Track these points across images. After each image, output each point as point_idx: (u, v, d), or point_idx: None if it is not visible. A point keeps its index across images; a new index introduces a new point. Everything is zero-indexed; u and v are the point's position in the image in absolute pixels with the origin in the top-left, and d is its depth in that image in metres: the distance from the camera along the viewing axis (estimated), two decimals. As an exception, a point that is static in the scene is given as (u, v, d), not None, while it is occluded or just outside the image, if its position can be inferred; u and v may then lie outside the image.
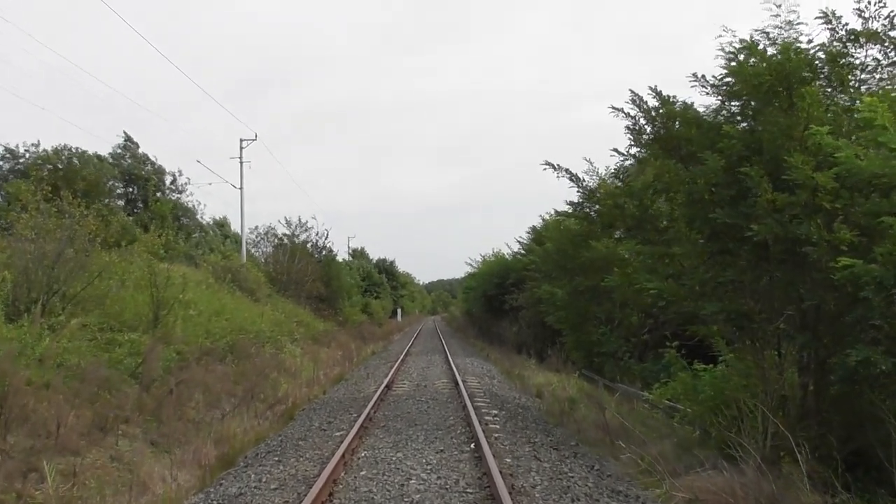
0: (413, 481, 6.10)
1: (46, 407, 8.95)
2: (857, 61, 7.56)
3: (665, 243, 9.65)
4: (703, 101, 9.39)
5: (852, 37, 7.15)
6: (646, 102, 10.01)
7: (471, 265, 46.92)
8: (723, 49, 8.99)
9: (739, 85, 8.31)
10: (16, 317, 10.84)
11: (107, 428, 9.73)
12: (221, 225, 45.79)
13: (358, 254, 63.69)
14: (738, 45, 8.34)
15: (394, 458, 7.02)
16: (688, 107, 9.47)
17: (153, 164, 35.28)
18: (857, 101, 7.01)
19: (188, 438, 9.99)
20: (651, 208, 10.68)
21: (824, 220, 6.74)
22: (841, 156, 6.05)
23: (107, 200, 26.43)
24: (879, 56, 7.55)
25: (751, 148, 8.23)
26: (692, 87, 9.48)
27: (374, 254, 71.67)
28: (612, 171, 12.20)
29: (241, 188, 35.50)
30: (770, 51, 8.33)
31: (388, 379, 14.28)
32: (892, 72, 7.70)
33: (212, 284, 23.05)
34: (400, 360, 20.26)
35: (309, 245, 39.24)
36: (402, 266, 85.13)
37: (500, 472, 6.07)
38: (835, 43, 7.29)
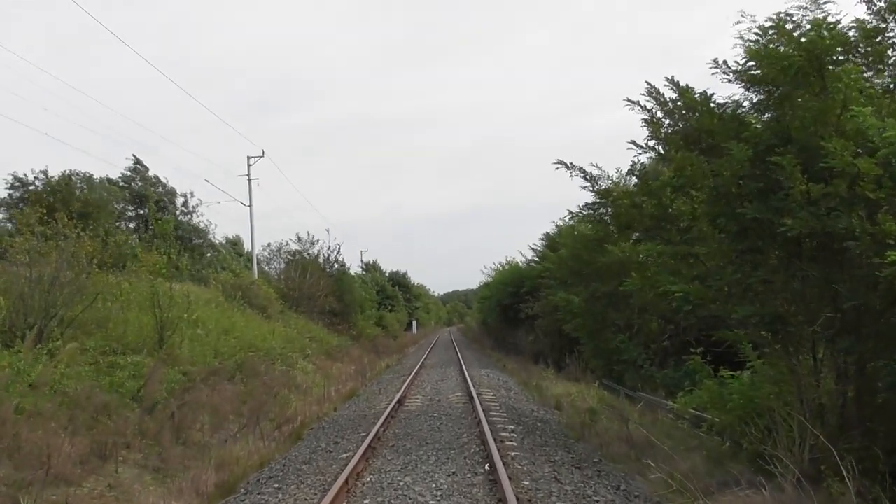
0: (420, 511, 5.56)
1: (40, 436, 8.52)
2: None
3: (687, 243, 9.09)
4: (723, 93, 8.85)
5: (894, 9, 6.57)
6: (662, 94, 9.48)
7: (485, 275, 46.40)
8: (741, 37, 8.46)
9: (765, 69, 7.75)
10: (12, 343, 10.45)
11: (106, 455, 9.28)
12: (234, 243, 45.71)
13: (371, 267, 63.31)
14: (764, 25, 7.80)
15: (401, 483, 6.47)
16: (708, 96, 8.91)
17: (164, 185, 35.31)
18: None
19: (190, 463, 9.53)
20: (671, 207, 10.14)
21: (866, 211, 6.16)
22: (891, 135, 5.46)
23: (117, 223, 26.32)
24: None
25: (779, 136, 7.68)
26: (713, 74, 8.93)
27: (388, 267, 71.32)
28: (627, 170, 11.62)
29: (250, 205, 35.31)
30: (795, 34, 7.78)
31: (400, 394, 13.75)
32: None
33: (221, 303, 22.72)
34: (414, 373, 19.72)
35: (321, 260, 38.90)
36: (416, 278, 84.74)
37: (518, 499, 5.51)
38: (871, 18, 6.72)
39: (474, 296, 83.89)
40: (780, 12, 8.14)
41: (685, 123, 8.99)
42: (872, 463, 7.10)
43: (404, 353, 35.38)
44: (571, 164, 10.73)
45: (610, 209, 10.73)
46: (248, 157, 35.65)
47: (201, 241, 36.86)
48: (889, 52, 6.83)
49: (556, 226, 28.17)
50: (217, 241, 41.15)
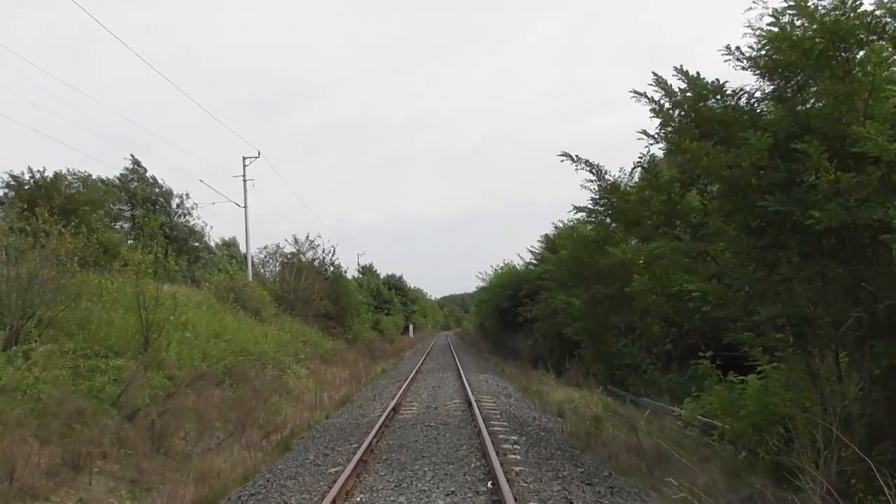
0: (417, 537, 4.97)
1: (6, 444, 7.92)
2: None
3: (699, 240, 8.55)
4: (732, 84, 8.33)
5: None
6: (670, 85, 8.93)
7: (482, 278, 45.80)
8: (751, 26, 7.94)
9: (783, 53, 7.22)
10: (-15, 345, 9.86)
11: (79, 466, 8.69)
12: (229, 245, 45.14)
13: (367, 270, 62.70)
14: (779, 8, 7.27)
15: None
16: (720, 85, 8.37)
17: (160, 187, 34.79)
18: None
19: (170, 475, 8.94)
20: (679, 203, 9.59)
21: (904, 200, 5.63)
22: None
23: (113, 223, 25.70)
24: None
25: (800, 124, 7.14)
26: (725, 61, 8.39)
27: (385, 270, 70.69)
28: (632, 167, 11.06)
29: (244, 206, 34.72)
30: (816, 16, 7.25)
31: (395, 401, 13.14)
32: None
33: (213, 305, 22.11)
34: (410, 378, 19.11)
35: (316, 262, 38.29)
36: (413, 282, 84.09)
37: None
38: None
39: (471, 299, 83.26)
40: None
41: (695, 114, 8.46)
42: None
43: (400, 357, 34.75)
44: (577, 156, 10.17)
45: (615, 205, 10.19)
46: (244, 158, 35.05)
47: (196, 243, 36.37)
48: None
49: (556, 228, 27.65)
50: (212, 243, 40.68)
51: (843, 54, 6.75)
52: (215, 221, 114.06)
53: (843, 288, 6.94)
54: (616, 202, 10.18)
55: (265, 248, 43.12)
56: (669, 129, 8.02)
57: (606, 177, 10.34)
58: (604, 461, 8.52)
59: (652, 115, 8.87)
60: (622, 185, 10.63)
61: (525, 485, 6.20)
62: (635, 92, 9.07)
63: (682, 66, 8.29)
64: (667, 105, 8.87)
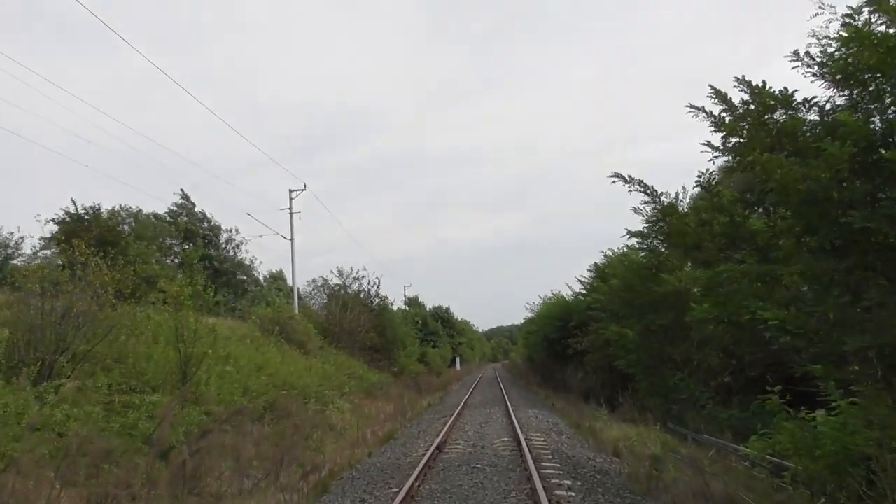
0: None
1: (31, 487, 7.56)
2: None
3: (767, 263, 7.78)
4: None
5: None
6: (730, 98, 8.27)
7: (530, 309, 44.85)
8: (815, 35, 7.27)
9: (863, 54, 6.50)
10: (17, 379, 9.61)
11: (108, 508, 8.28)
12: (276, 279, 45.46)
13: (413, 302, 62.31)
14: (858, 4, 6.60)
15: None
16: (789, 94, 7.66)
17: (209, 221, 35.30)
18: None
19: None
20: (743, 225, 8.85)
21: None
22: None
23: (165, 258, 25.93)
24: None
25: (882, 133, 6.39)
26: (793, 68, 7.71)
27: (431, 302, 70.22)
28: (693, 185, 10.35)
29: (291, 239, 34.87)
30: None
31: (440, 438, 12.44)
32: None
33: (257, 338, 21.89)
34: (456, 413, 18.37)
35: (361, 294, 38.05)
36: (460, 314, 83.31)
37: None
38: None
39: (519, 331, 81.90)
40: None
41: (762, 127, 7.76)
42: None
43: (447, 390, 33.97)
44: (630, 176, 9.55)
45: (673, 228, 9.48)
46: (290, 191, 35.34)
47: (244, 276, 36.68)
48: None
49: (605, 256, 26.72)
50: (260, 277, 41.00)
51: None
52: (264, 256, 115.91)
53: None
54: (673, 225, 9.49)
55: (313, 280, 43.22)
56: (736, 140, 7.33)
57: (662, 198, 9.67)
58: (667, 508, 7.70)
59: (713, 128, 8.22)
60: (680, 206, 9.93)
61: (583, 540, 5.47)
62: (692, 106, 8.44)
63: (743, 76, 7.63)
64: (728, 118, 8.21)
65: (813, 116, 7.71)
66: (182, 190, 34.49)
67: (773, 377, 19.38)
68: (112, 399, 11.03)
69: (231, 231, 35.59)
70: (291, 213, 34.73)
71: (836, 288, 6.25)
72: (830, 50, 7.14)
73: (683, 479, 9.79)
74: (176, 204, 35.06)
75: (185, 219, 34.92)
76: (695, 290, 18.11)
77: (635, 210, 20.01)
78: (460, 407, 20.61)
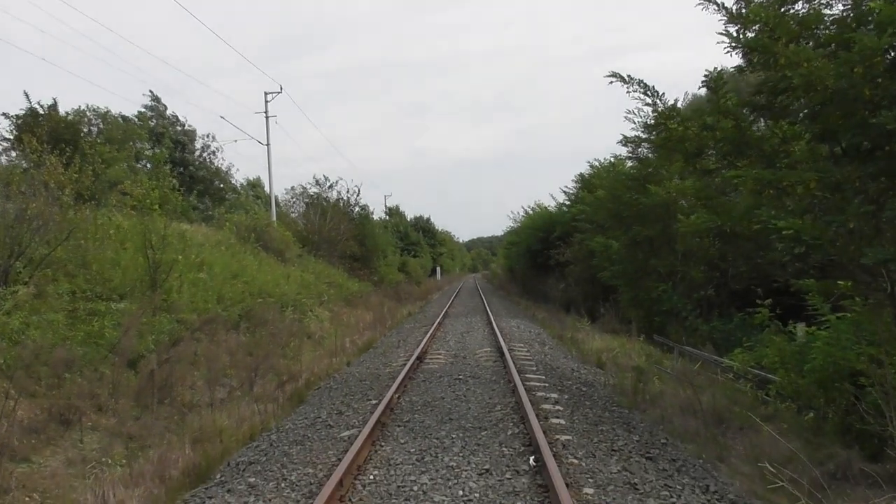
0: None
1: (-16, 399, 7.07)
2: None
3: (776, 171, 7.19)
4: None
5: None
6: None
7: (512, 220, 44.45)
8: None
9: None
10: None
11: (70, 420, 7.87)
12: (254, 186, 44.42)
13: (394, 212, 61.63)
14: None
15: (415, 489, 4.65)
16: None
17: (182, 125, 33.89)
18: None
19: (175, 429, 8.10)
20: (748, 130, 8.22)
21: None
22: None
23: (137, 163, 24.74)
24: None
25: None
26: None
27: (412, 212, 69.59)
28: (700, 85, 9.61)
29: (267, 144, 33.69)
30: None
31: (420, 348, 12.13)
32: None
33: (233, 245, 21.27)
34: (437, 323, 18.14)
35: (341, 203, 37.28)
36: (440, 224, 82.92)
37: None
38: None
39: (499, 243, 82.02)
40: None
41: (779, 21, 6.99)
42: None
43: (427, 300, 33.90)
44: (629, 76, 8.78)
45: (674, 133, 8.82)
46: (266, 94, 33.84)
47: (221, 184, 35.69)
48: None
49: (592, 167, 26.06)
50: (238, 184, 39.96)
51: None
52: (240, 163, 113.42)
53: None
54: (673, 130, 8.81)
55: (291, 188, 42.28)
56: (755, 30, 6.59)
57: (664, 100, 8.94)
58: (656, 423, 7.44)
59: (726, 20, 7.44)
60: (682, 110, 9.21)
61: (575, 461, 5.10)
62: (704, -2, 7.60)
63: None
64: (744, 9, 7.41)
65: (834, 11, 6.98)
66: (151, 91, 32.86)
67: (756, 292, 19.30)
68: (76, 307, 10.46)
69: (207, 137, 34.30)
70: (267, 117, 33.44)
71: (858, 196, 5.72)
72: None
73: (667, 390, 9.60)
74: (146, 106, 33.55)
75: (156, 122, 33.53)
76: (682, 203, 17.74)
77: (627, 117, 19.32)
78: (441, 316, 20.41)
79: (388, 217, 58.34)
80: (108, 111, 27.41)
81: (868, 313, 7.45)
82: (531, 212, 37.35)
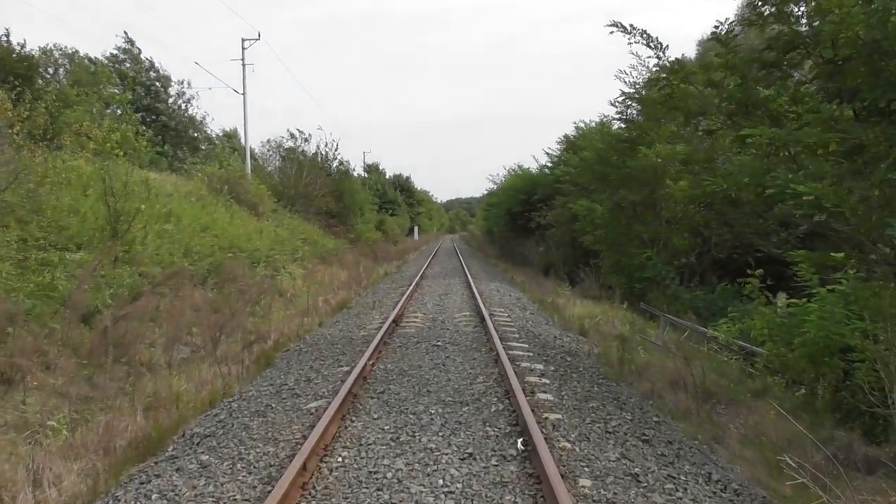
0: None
1: (-87, 355, 6.40)
2: None
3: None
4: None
5: None
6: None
7: (492, 181, 43.80)
8: None
9: None
10: None
11: (12, 380, 7.23)
12: (230, 137, 43.14)
13: (373, 169, 60.54)
14: None
15: (389, 476, 4.10)
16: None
17: (157, 70, 32.51)
18: None
19: (130, 391, 7.50)
20: (755, 88, 7.67)
21: None
22: None
23: (108, 110, 23.53)
24: None
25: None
26: None
27: (391, 170, 68.51)
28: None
29: (243, 93, 32.46)
30: None
31: (396, 311, 11.57)
32: None
33: (203, 197, 20.42)
34: (414, 283, 17.59)
35: (319, 157, 36.27)
36: (419, 184, 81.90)
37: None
38: None
39: (478, 203, 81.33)
40: None
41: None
42: None
43: (404, 259, 33.33)
44: (632, 26, 8.12)
45: (676, 90, 8.22)
46: (243, 40, 32.49)
47: (196, 133, 34.52)
48: None
49: (577, 128, 25.40)
50: (213, 135, 38.74)
51: None
52: (216, 113, 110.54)
53: None
54: (676, 86, 8.22)
55: (268, 141, 41.08)
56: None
57: (666, 52, 8.32)
58: (646, 397, 7.01)
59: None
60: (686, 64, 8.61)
61: (568, 445, 4.58)
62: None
63: None
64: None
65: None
66: (126, 32, 31.39)
67: (738, 260, 18.93)
68: (27, 255, 9.72)
69: (182, 83, 32.94)
70: (244, 65, 32.13)
71: (884, 161, 5.20)
72: None
73: (654, 363, 9.21)
74: (118, 48, 32.08)
75: (128, 65, 32.12)
76: (672, 168, 17.24)
77: (617, 76, 18.58)
78: (418, 277, 19.87)
79: (366, 174, 57.29)
80: (76, 52, 26.11)
81: (866, 287, 7.07)
82: (513, 173, 36.73)
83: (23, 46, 12.96)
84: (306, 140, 35.65)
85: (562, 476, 3.82)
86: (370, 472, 4.14)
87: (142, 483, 4.29)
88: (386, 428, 5.03)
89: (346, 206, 36.52)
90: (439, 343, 8.74)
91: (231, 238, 17.11)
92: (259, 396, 6.33)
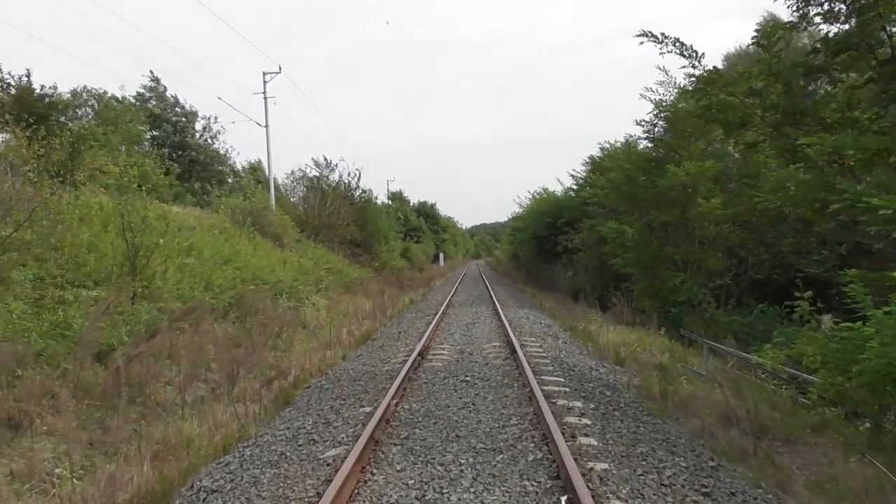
0: None
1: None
2: None
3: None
4: None
5: None
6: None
7: (518, 205, 43.38)
8: None
9: None
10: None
11: (20, 424, 6.87)
12: (255, 169, 43.41)
13: (396, 197, 60.49)
14: None
15: None
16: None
17: (182, 107, 32.92)
18: None
19: (143, 432, 7.10)
20: (800, 96, 7.16)
21: None
22: None
23: (133, 145, 23.66)
24: None
25: None
26: None
27: (415, 197, 68.45)
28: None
29: (266, 125, 32.55)
30: None
31: (422, 342, 11.06)
32: None
33: (227, 229, 20.27)
34: (440, 312, 17.08)
35: (342, 186, 36.19)
36: (443, 210, 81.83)
37: None
38: None
39: (502, 229, 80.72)
40: None
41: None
42: None
43: (430, 287, 32.86)
44: (663, 34, 7.67)
45: (714, 101, 7.73)
46: (264, 73, 32.67)
47: (222, 167, 34.85)
48: None
49: (602, 149, 24.92)
50: (238, 167, 39.07)
51: None
52: (241, 147, 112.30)
53: None
54: (714, 96, 7.72)
55: (292, 172, 41.29)
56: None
57: (701, 62, 7.84)
58: (696, 436, 6.41)
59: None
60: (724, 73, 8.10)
61: (619, 504, 3.99)
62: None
63: None
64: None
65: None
66: (151, 72, 31.91)
67: (778, 280, 18.04)
68: (44, 294, 9.45)
69: (209, 119, 33.41)
70: (266, 98, 32.29)
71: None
72: None
73: (698, 394, 8.59)
74: (144, 86, 32.57)
75: (154, 103, 32.54)
76: (707, 182, 16.64)
77: (643, 95, 18.09)
78: (445, 305, 19.36)
79: (390, 202, 57.23)
80: (104, 92, 26.49)
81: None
82: (537, 196, 36.26)
83: (52, 88, 12.95)
84: (332, 169, 35.70)
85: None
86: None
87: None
88: (410, 483, 4.49)
89: (371, 234, 36.29)
90: (468, 378, 8.20)
91: (254, 270, 16.83)
92: (274, 442, 5.86)
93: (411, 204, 65.37)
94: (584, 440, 5.40)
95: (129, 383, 8.39)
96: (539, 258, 34.00)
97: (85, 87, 26.05)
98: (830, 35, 6.94)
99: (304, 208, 32.98)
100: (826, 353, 8.24)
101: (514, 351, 9.91)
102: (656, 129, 18.25)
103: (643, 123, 18.35)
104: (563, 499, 4.06)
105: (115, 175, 10.79)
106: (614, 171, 19.73)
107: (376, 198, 41.81)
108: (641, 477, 4.59)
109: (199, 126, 33.46)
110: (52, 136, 9.69)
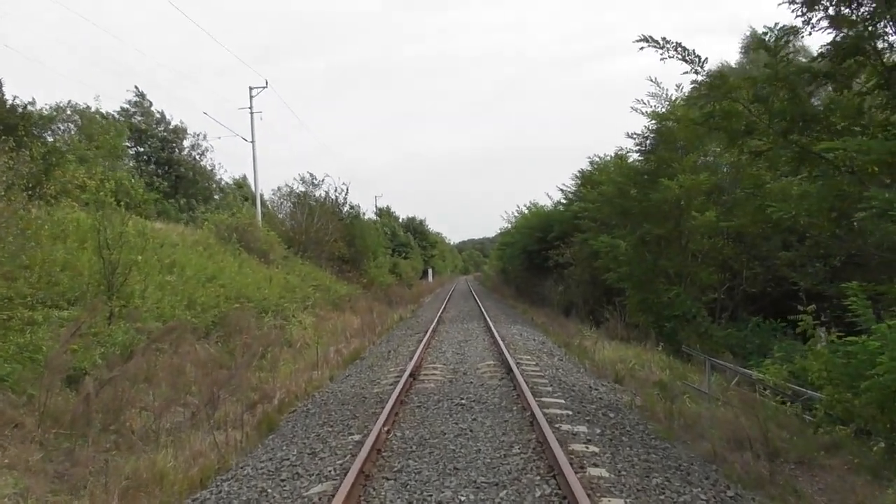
0: None
1: None
2: None
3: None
4: None
5: None
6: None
7: (506, 220, 43.10)
8: None
9: None
10: None
11: (-19, 457, 6.36)
12: (241, 185, 42.89)
13: (384, 212, 60.07)
14: None
15: None
16: None
17: (168, 123, 32.42)
18: None
19: (112, 465, 6.59)
20: (807, 101, 6.86)
21: None
22: None
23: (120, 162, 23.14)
24: None
25: None
26: None
27: (404, 213, 68.12)
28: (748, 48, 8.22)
29: (252, 140, 32.13)
30: None
31: (413, 361, 10.60)
32: None
33: (211, 246, 19.78)
34: (431, 329, 16.63)
35: (328, 202, 35.76)
36: (432, 226, 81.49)
37: None
38: None
39: (491, 244, 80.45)
40: None
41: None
42: None
43: (419, 303, 32.38)
44: (665, 39, 7.35)
45: (718, 107, 7.41)
46: (251, 88, 32.29)
47: (208, 183, 34.38)
48: None
49: (592, 163, 24.69)
50: (224, 183, 38.55)
51: None
52: (228, 163, 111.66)
53: None
54: (718, 102, 7.40)
55: (278, 189, 40.78)
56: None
57: (704, 66, 7.52)
58: (708, 461, 6.01)
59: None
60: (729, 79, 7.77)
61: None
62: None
63: None
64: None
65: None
66: (136, 87, 31.42)
67: (772, 293, 17.75)
68: (12, 315, 8.94)
69: (198, 136, 32.96)
70: (252, 113, 31.88)
71: None
72: None
73: (702, 412, 8.21)
74: (129, 101, 32.03)
75: (139, 118, 32.04)
76: (700, 195, 16.40)
77: (634, 108, 17.86)
78: (435, 322, 18.91)
79: (378, 217, 56.81)
80: (87, 107, 25.96)
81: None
82: (526, 211, 35.99)
83: (30, 102, 12.47)
84: (318, 185, 35.28)
85: None
86: None
87: None
88: (404, 524, 4.05)
89: (359, 250, 35.84)
90: (463, 401, 7.74)
91: (239, 287, 16.35)
92: (255, 476, 5.38)
93: (400, 219, 65.01)
94: (594, 471, 4.96)
95: (102, 409, 7.88)
96: (529, 273, 33.67)
97: (69, 101, 25.53)
98: (837, 39, 6.67)
99: (292, 224, 32.52)
100: (832, 369, 7.90)
101: (509, 370, 9.47)
102: (647, 142, 18.03)
103: (635, 136, 18.14)
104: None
105: (92, 189, 10.29)
106: (606, 185, 19.48)
107: (364, 213, 41.45)
108: (660, 512, 4.18)
109: (186, 143, 33.00)
110: (23, 149, 9.20)
